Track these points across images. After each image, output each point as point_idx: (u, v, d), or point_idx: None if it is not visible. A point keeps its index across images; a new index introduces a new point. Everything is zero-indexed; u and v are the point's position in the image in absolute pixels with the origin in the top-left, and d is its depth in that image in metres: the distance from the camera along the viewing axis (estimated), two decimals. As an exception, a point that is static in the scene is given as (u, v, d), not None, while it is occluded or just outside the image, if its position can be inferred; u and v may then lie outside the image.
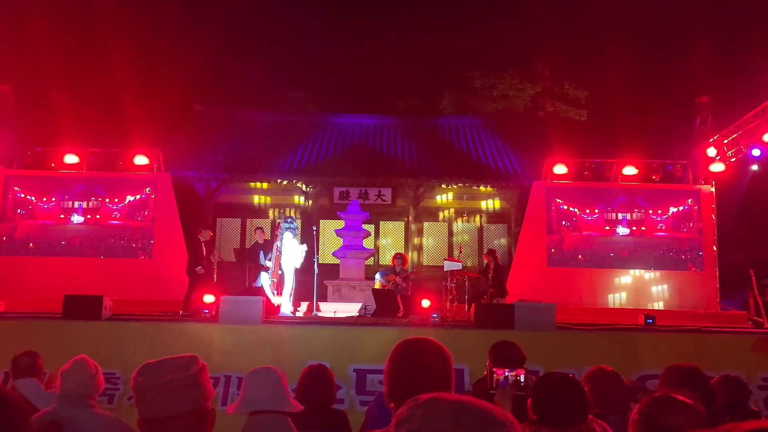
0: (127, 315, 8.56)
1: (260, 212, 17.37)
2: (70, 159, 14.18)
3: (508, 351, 3.68)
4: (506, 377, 2.74)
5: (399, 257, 11.76)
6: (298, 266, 10.40)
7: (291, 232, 10.27)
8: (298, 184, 16.74)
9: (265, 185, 16.86)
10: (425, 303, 9.50)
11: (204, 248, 10.91)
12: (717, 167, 13.81)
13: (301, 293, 11.25)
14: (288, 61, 28.60)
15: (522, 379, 2.77)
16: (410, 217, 17.32)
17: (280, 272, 10.61)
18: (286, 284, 10.22)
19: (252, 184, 16.71)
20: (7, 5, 21.30)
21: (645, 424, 1.87)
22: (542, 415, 2.39)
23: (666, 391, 2.07)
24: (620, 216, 14.44)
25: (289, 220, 10.54)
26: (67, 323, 7.56)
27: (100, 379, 2.99)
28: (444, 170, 16.48)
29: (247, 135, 18.29)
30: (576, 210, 14.41)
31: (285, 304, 10.13)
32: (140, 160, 14.24)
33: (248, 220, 17.27)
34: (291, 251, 10.24)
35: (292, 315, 10.17)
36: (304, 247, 10.48)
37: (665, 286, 13.95)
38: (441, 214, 17.48)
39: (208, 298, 9.39)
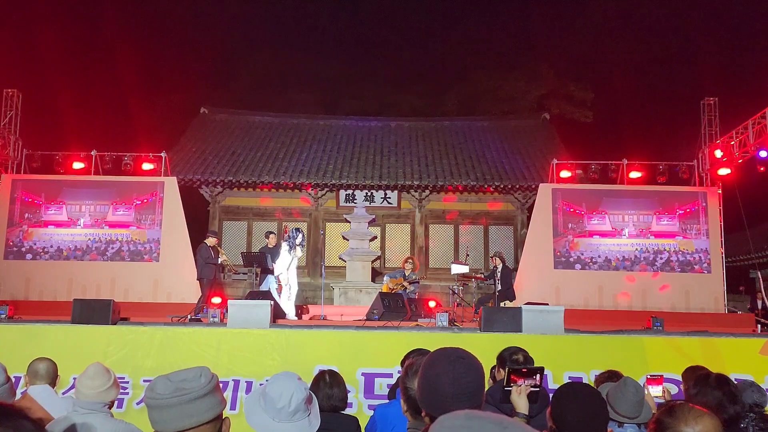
0: (136, 319, 8.58)
1: (266, 215, 17.37)
2: (78, 164, 14.27)
3: (517, 357, 3.66)
4: (522, 385, 2.75)
5: (410, 261, 11.76)
6: (285, 271, 10.22)
7: (287, 243, 10.14)
8: (304, 188, 16.75)
9: (271, 188, 16.87)
10: (432, 306, 9.51)
11: (212, 252, 10.93)
12: (724, 169, 13.78)
13: (308, 296, 11.22)
14: (294, 63, 28.66)
15: (537, 378, 2.79)
16: (416, 220, 17.31)
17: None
18: (284, 288, 10.14)
19: (258, 188, 16.73)
20: (16, 12, 21.43)
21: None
22: (562, 425, 2.39)
23: (687, 399, 2.07)
24: (627, 218, 14.42)
25: (295, 230, 10.41)
26: (76, 327, 7.57)
27: (115, 385, 3.01)
28: (450, 172, 16.47)
29: (253, 137, 18.33)
30: (582, 212, 14.40)
31: (288, 309, 10.09)
32: (147, 166, 14.33)
33: (254, 223, 17.28)
34: (282, 261, 10.11)
35: (297, 318, 10.15)
36: (296, 252, 10.28)
37: (672, 288, 13.92)
38: (447, 217, 17.46)
39: (215, 300, 9.43)
